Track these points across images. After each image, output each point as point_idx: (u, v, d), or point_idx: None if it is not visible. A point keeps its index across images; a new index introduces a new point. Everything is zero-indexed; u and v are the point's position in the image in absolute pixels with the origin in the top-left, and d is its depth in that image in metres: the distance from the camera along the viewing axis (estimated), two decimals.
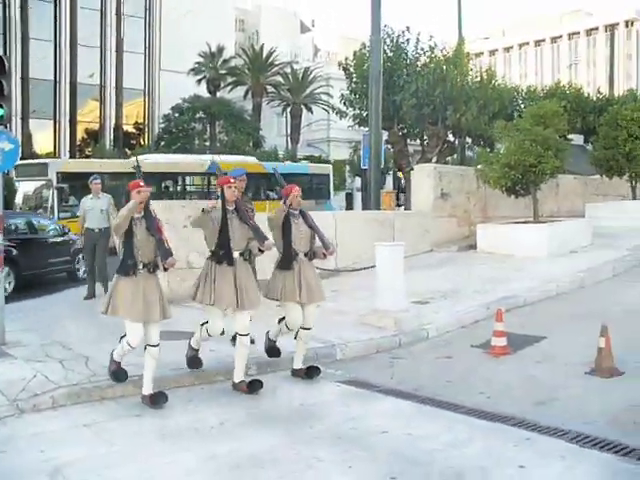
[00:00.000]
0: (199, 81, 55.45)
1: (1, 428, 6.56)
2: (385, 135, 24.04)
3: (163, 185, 26.69)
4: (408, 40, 22.96)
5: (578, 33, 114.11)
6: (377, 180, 18.13)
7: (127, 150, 49.04)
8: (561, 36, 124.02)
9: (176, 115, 50.73)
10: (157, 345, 7.23)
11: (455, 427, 6.48)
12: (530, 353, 9.24)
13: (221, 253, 7.51)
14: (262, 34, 77.42)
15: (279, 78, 56.48)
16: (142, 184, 7.21)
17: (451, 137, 24.88)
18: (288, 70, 56.30)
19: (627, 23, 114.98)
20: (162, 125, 52.27)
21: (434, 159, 23.59)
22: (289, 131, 55.54)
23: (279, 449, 5.98)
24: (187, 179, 27.56)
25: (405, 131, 24.19)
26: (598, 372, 8.13)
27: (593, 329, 8.28)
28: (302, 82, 55.43)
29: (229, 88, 56.82)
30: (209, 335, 7.80)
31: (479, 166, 18.17)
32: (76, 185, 23.60)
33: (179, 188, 27.24)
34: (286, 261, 7.99)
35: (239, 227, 7.61)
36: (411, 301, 11.45)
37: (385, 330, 10.13)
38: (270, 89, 56.73)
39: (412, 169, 19.60)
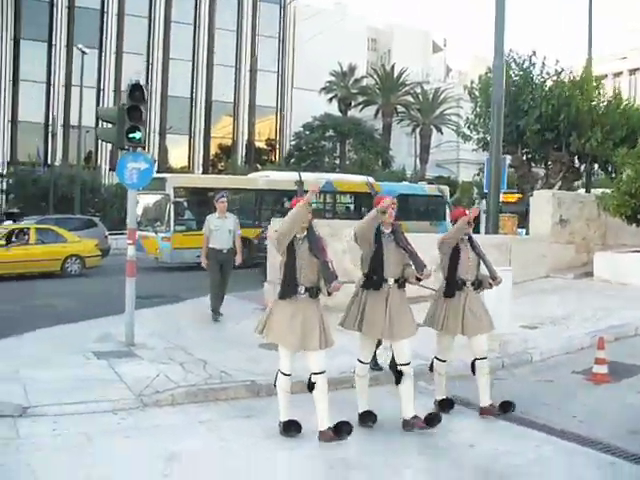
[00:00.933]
0: (330, 100, 56.75)
1: (127, 418, 7.35)
2: (509, 159, 24.09)
3: (282, 202, 27.29)
4: (534, 64, 22.92)
5: None
6: (496, 204, 18.27)
7: (258, 165, 50.72)
8: None
9: (307, 133, 51.95)
10: (322, 372, 6.78)
11: (542, 447, 6.76)
12: (633, 383, 9.29)
13: (374, 278, 7.03)
14: (394, 53, 78.17)
15: (409, 98, 56.98)
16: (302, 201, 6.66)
17: (577, 162, 24.57)
18: (418, 90, 56.70)
19: None
20: (293, 142, 53.68)
21: (558, 184, 23.41)
22: (418, 151, 55.87)
23: (370, 455, 6.45)
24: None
25: (529, 156, 24.14)
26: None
27: None
28: (432, 103, 55.70)
29: (360, 107, 57.79)
30: (362, 362, 7.34)
31: (600, 193, 18.08)
32: (192, 200, 24.81)
33: None
34: (451, 289, 7.63)
35: (395, 252, 7.07)
36: (520, 325, 11.70)
37: (490, 352, 10.38)
38: (400, 109, 57.30)
39: (532, 194, 19.62)
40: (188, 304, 14.96)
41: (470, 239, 7.75)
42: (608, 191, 17.82)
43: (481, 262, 7.77)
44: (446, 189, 31.71)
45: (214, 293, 13.14)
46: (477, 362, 7.78)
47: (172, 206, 23.35)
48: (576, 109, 21.45)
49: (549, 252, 17.50)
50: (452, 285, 7.60)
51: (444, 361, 7.91)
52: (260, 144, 58.77)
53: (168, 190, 23.40)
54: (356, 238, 7.13)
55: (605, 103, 22.95)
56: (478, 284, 7.75)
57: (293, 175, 27.49)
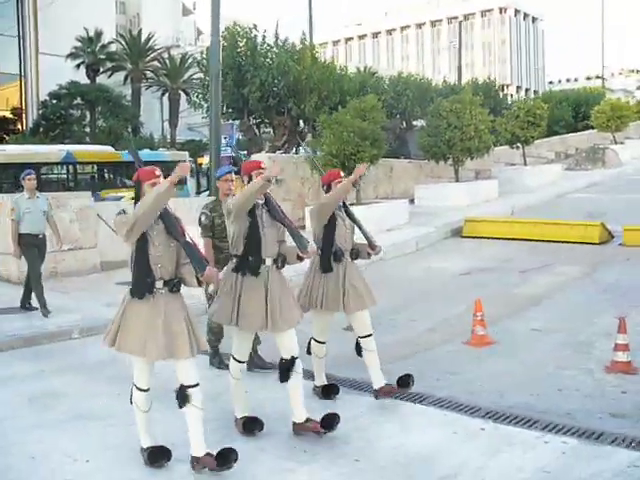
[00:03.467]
0: (78, 66, 55.59)
1: None
2: (237, 124, 25.96)
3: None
4: (256, 36, 24.62)
5: (456, 17, 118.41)
6: (215, 167, 19.69)
7: (5, 136, 49.11)
8: (441, 20, 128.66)
9: (54, 101, 50.85)
10: (197, 385, 5.40)
11: None
12: None
13: (250, 260, 5.94)
14: (143, 17, 77.30)
15: (157, 63, 57.37)
16: (158, 173, 5.60)
17: (302, 125, 26.71)
18: (166, 55, 57.23)
19: (501, 10, 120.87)
20: (40, 111, 52.26)
21: (284, 147, 25.53)
22: (168, 116, 56.59)
23: (71, 386, 7.78)
24: (43, 170, 26.77)
25: (257, 121, 25.96)
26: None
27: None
28: (180, 67, 56.44)
29: (108, 74, 57.25)
30: (238, 361, 6.20)
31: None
32: None
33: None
34: (328, 262, 6.73)
35: (271, 227, 6.05)
36: None
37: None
38: (149, 74, 57.55)
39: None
40: None
41: (345, 205, 7.04)
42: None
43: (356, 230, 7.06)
44: (185, 154, 32.96)
45: (38, 284, 11.33)
46: (362, 340, 6.99)
47: None
48: (294, 78, 23.46)
49: None
50: (329, 258, 6.74)
51: (323, 342, 7.13)
52: (5, 114, 56.48)
53: None
54: (230, 214, 5.98)
55: (321, 72, 25.11)
56: (356, 254, 7.04)
57: (29, 148, 27.48)
